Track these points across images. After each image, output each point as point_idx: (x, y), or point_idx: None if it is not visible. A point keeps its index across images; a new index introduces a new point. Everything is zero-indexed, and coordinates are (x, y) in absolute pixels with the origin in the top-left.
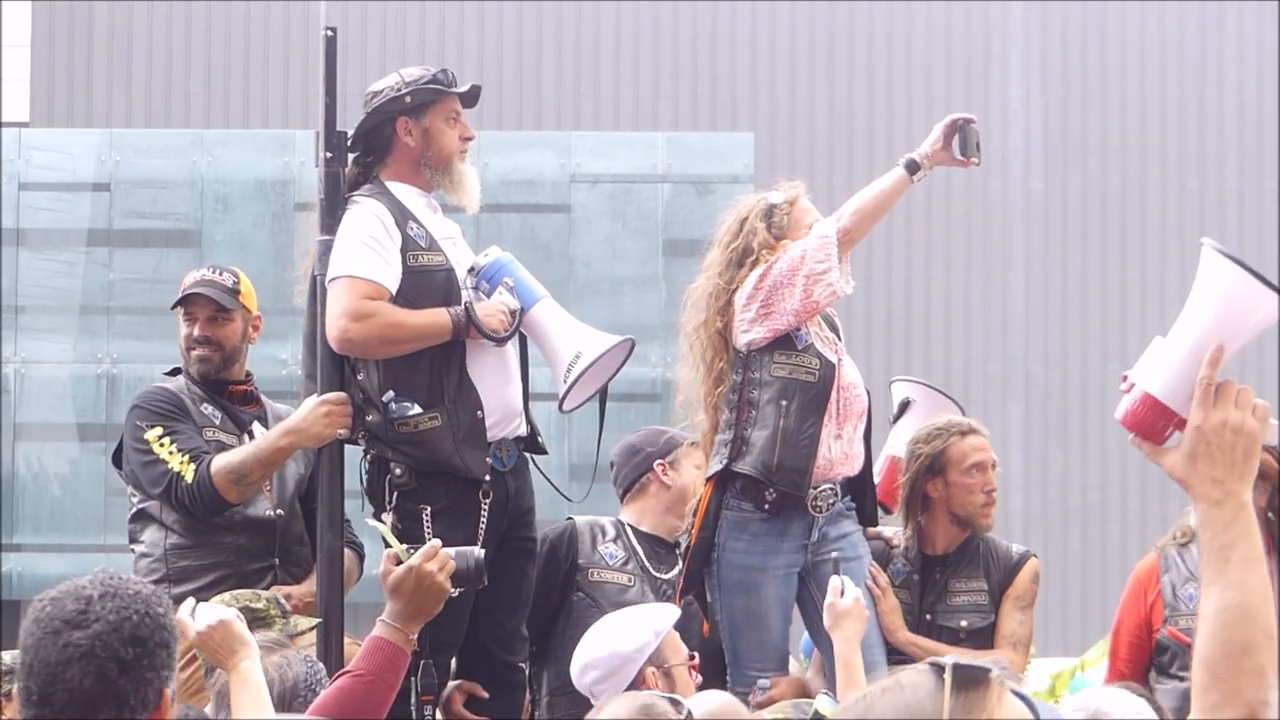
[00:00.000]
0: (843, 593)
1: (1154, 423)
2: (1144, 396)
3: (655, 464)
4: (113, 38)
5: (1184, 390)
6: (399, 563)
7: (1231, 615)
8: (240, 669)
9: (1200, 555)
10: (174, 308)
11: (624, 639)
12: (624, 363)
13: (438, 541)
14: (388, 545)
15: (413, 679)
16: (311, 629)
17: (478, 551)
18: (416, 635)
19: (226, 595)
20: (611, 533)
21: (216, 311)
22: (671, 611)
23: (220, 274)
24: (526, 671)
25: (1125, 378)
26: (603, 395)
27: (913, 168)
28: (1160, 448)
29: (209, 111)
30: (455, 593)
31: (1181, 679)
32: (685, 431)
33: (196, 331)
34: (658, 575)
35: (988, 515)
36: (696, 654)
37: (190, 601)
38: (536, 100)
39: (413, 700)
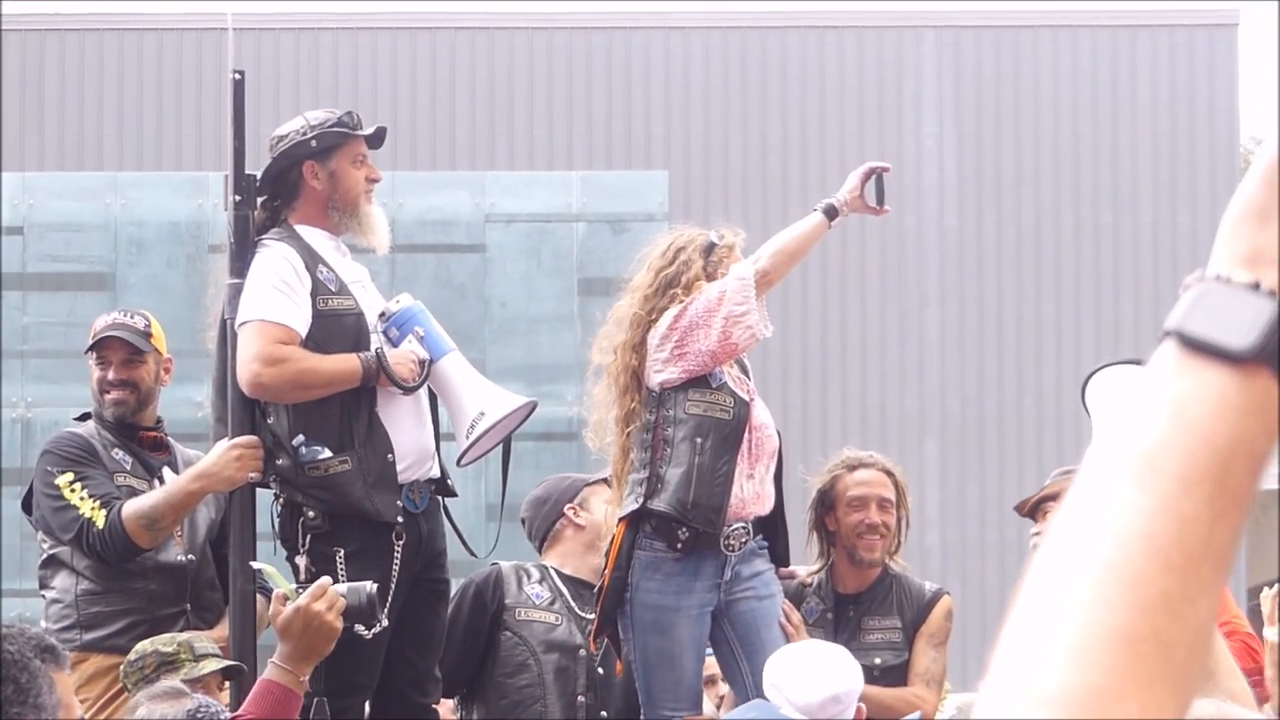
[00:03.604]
0: None
1: None
2: None
3: (565, 508)
4: (24, 79)
5: None
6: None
7: None
8: None
9: None
10: (87, 353)
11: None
12: (523, 422)
13: (327, 579)
14: (274, 586)
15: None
16: (220, 669)
17: (369, 586)
18: (308, 676)
19: (145, 643)
20: (536, 575)
21: (131, 354)
22: None
23: (131, 317)
24: (439, 713)
25: None
26: (506, 444)
27: (831, 213)
28: None
29: (122, 153)
30: (369, 634)
31: None
32: (593, 471)
33: (111, 375)
34: (583, 615)
35: (871, 550)
36: None
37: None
38: (450, 140)
39: None
